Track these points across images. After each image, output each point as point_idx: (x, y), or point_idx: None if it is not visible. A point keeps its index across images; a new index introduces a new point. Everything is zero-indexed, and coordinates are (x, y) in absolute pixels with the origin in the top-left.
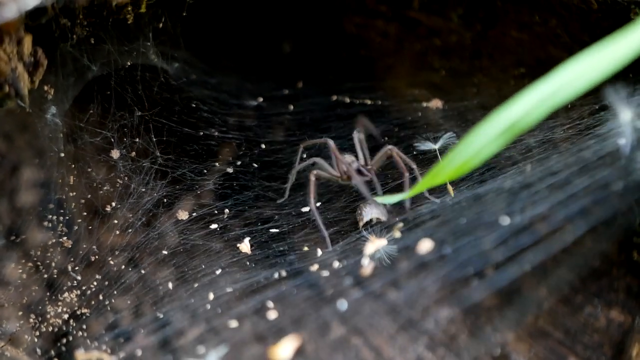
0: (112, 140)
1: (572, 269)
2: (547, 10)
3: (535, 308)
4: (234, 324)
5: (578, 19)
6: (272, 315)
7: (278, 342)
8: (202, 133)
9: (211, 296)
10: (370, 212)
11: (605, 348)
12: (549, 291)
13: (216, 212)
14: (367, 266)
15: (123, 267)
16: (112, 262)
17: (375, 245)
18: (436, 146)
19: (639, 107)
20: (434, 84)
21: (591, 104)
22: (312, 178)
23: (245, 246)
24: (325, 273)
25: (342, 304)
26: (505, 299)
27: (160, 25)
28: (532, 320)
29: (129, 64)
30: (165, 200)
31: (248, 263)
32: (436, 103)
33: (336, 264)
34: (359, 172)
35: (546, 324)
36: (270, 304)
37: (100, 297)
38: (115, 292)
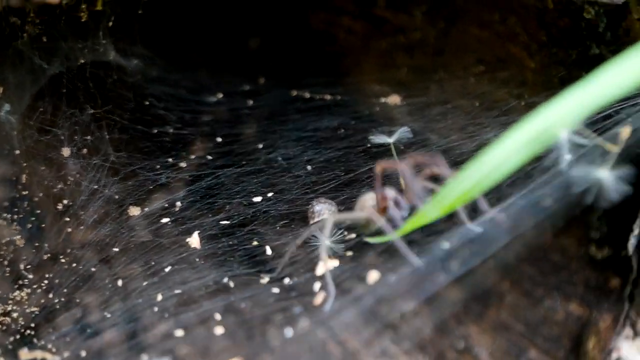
0: (62, 138)
1: (532, 263)
2: (506, 9)
3: (498, 301)
4: (179, 332)
5: (535, 18)
6: (219, 330)
7: None
8: (156, 130)
9: (159, 297)
10: (322, 212)
11: (564, 340)
12: (511, 285)
13: (167, 205)
14: (318, 293)
15: (74, 265)
16: (63, 260)
17: (327, 266)
18: (391, 140)
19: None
20: (397, 80)
21: None
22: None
23: (194, 240)
24: (276, 290)
25: (289, 332)
26: (469, 293)
27: (114, 22)
28: (494, 313)
29: (82, 61)
30: (117, 197)
31: (197, 260)
32: (395, 99)
33: (287, 280)
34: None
35: (508, 317)
36: (218, 316)
37: (50, 296)
38: (65, 291)
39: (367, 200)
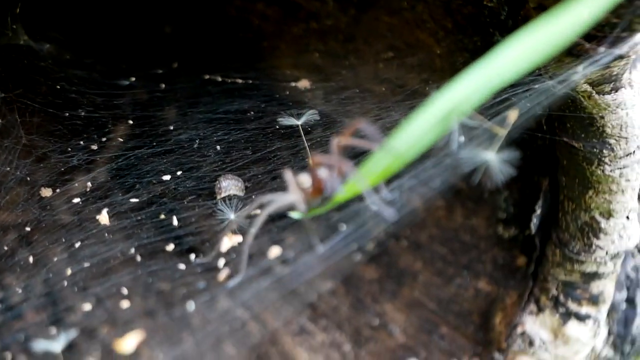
0: None
1: (444, 243)
2: None
3: (412, 280)
4: (87, 306)
5: (441, 5)
6: (125, 304)
7: (124, 335)
8: (67, 114)
9: (69, 272)
10: (229, 188)
11: (473, 316)
12: (423, 264)
13: (77, 185)
14: (222, 270)
15: None
16: None
17: (232, 241)
18: (299, 122)
19: None
20: (309, 65)
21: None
22: (264, 213)
23: (104, 217)
24: (182, 266)
25: (191, 305)
26: (384, 272)
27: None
28: (408, 292)
29: None
30: (29, 179)
31: (106, 235)
32: (304, 83)
33: (192, 257)
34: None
35: (421, 295)
36: (125, 290)
37: None
38: None
39: (300, 182)
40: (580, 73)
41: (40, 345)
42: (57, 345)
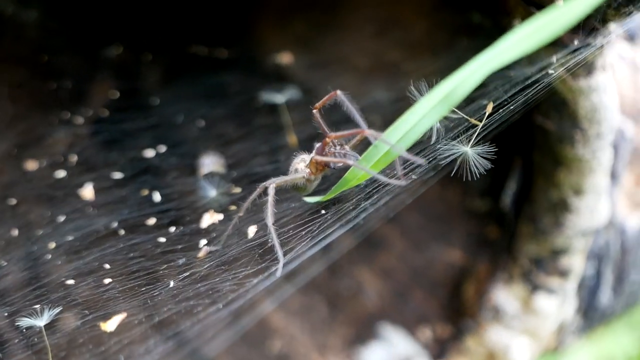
0: None
1: (420, 214)
2: None
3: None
4: (70, 281)
5: None
6: (107, 280)
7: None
8: (55, 85)
9: (52, 245)
10: (210, 165)
11: (446, 285)
12: (400, 234)
13: (63, 159)
14: (202, 249)
15: None
16: None
17: (212, 219)
18: (282, 100)
19: None
20: (293, 37)
21: None
22: (271, 192)
23: (88, 192)
24: (162, 239)
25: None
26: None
27: None
28: (384, 259)
29: None
30: (15, 150)
31: (91, 209)
32: (288, 56)
33: (172, 229)
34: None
35: (396, 263)
36: (107, 266)
37: None
38: None
39: (301, 162)
40: (555, 62)
41: (24, 322)
42: (40, 321)
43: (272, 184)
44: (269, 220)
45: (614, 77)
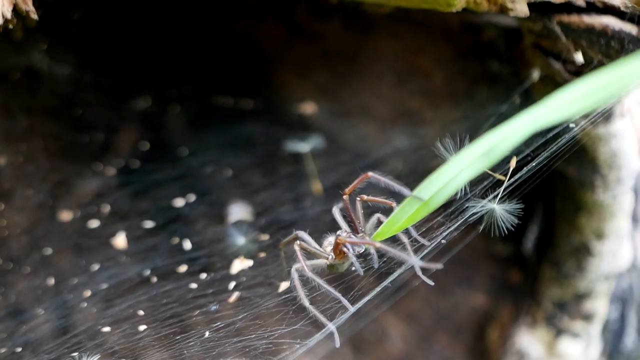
0: None
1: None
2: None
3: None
4: (106, 329)
5: (441, 34)
6: (142, 327)
7: None
8: (88, 139)
9: (88, 293)
10: (238, 213)
11: (470, 329)
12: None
13: (96, 209)
14: (232, 294)
15: (1, 262)
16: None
17: (242, 265)
18: (307, 150)
19: None
20: (314, 86)
21: None
22: (295, 276)
23: (121, 241)
24: (194, 285)
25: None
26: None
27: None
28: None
29: None
30: (51, 202)
31: (124, 258)
32: (310, 105)
33: (203, 276)
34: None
35: (421, 307)
36: (141, 312)
37: None
38: None
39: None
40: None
41: None
42: None
43: (293, 269)
44: (305, 302)
45: (632, 121)
